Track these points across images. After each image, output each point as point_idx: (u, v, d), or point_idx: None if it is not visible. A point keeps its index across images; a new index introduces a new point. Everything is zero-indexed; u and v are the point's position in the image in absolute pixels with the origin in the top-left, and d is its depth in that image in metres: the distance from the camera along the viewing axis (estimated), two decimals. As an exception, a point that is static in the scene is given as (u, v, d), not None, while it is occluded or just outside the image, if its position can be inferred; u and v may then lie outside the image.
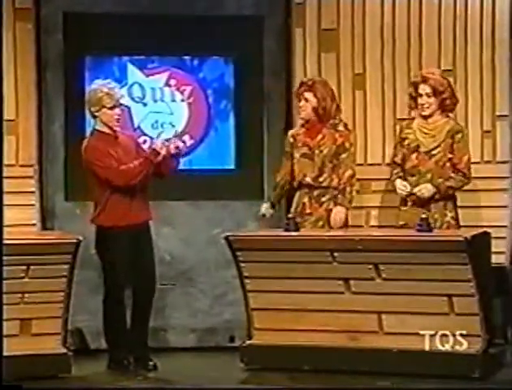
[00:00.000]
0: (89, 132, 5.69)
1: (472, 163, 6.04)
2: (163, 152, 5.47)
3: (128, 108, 6.41)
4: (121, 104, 5.59)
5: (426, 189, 5.68)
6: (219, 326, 6.30)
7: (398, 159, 5.84)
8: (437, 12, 6.17)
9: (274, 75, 6.42)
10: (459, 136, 5.74)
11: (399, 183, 5.75)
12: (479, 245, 5.32)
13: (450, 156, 5.72)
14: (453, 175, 5.71)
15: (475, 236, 5.30)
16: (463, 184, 5.74)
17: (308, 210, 5.82)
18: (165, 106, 6.44)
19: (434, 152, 5.73)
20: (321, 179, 5.81)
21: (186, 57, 6.43)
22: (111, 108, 5.51)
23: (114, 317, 5.57)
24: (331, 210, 5.80)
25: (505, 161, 6.05)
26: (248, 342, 5.62)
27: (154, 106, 6.42)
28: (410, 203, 5.77)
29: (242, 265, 5.56)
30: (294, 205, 5.88)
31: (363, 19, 6.24)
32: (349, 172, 5.79)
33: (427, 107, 5.74)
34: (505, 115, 6.05)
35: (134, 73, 6.41)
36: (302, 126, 5.93)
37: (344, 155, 5.81)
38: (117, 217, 5.48)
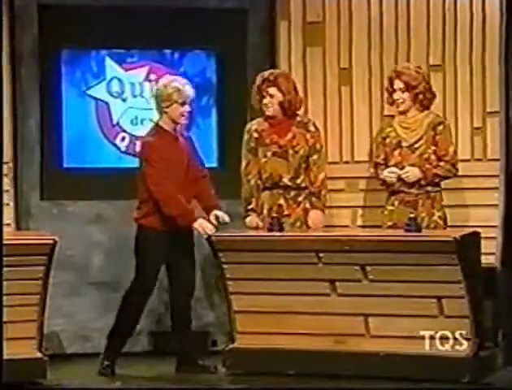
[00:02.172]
0: (150, 128, 5.66)
1: (462, 161, 6.05)
2: (209, 231, 5.47)
3: (107, 104, 6.40)
4: (191, 101, 5.60)
5: (412, 173, 5.71)
6: (201, 329, 6.28)
7: (381, 159, 5.88)
8: (426, 5, 6.17)
9: (257, 70, 6.39)
10: (441, 127, 5.77)
11: (387, 171, 5.77)
12: (468, 246, 5.31)
13: (434, 148, 5.76)
14: (441, 163, 5.74)
15: (464, 236, 5.29)
16: (450, 175, 5.77)
17: (286, 212, 5.79)
18: (145, 101, 6.43)
19: (416, 145, 5.76)
20: (298, 181, 5.80)
21: (167, 51, 6.43)
22: (182, 104, 5.52)
23: (125, 317, 5.56)
24: (307, 209, 5.81)
25: (495, 158, 6.04)
26: (230, 346, 5.61)
27: (134, 102, 6.42)
28: (396, 202, 5.79)
29: (224, 266, 5.54)
30: (266, 206, 5.83)
31: (350, 11, 6.24)
32: (322, 175, 5.81)
33: (402, 102, 5.79)
34: (496, 112, 6.03)
35: (113, 68, 6.40)
36: (265, 121, 5.87)
37: (315, 156, 5.81)
38: (163, 220, 5.49)
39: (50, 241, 5.34)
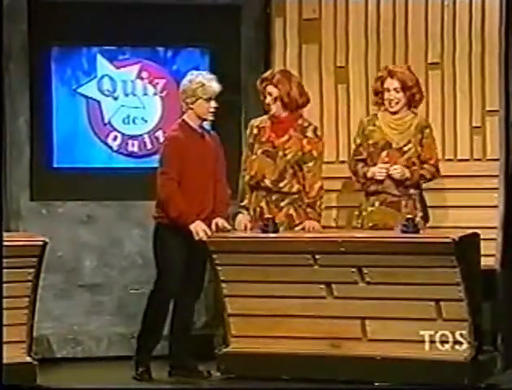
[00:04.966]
0: (176, 123, 5.65)
1: (461, 161, 6.09)
2: (201, 235, 5.48)
3: (98, 102, 6.42)
4: (217, 97, 5.60)
5: (401, 170, 5.70)
6: (195, 332, 6.30)
7: (364, 157, 5.83)
8: (424, 2, 6.18)
9: (252, 68, 6.44)
10: (427, 131, 5.80)
11: (378, 167, 5.73)
12: (467, 247, 5.33)
13: (419, 152, 5.78)
14: (426, 166, 5.77)
15: (463, 237, 5.31)
16: (433, 178, 5.79)
17: (267, 215, 5.71)
18: (137, 99, 6.45)
19: (405, 148, 5.78)
20: (281, 185, 5.78)
21: (159, 48, 6.45)
22: (207, 100, 5.54)
23: (150, 319, 5.59)
24: (291, 215, 5.78)
25: (495, 158, 6.05)
26: (224, 350, 5.62)
27: (126, 100, 6.43)
28: (377, 203, 5.78)
29: (218, 268, 5.55)
30: (252, 206, 5.83)
31: (346, 8, 6.26)
32: (318, 184, 5.78)
33: (396, 103, 5.78)
34: (496, 110, 6.04)
35: (104, 65, 6.41)
36: (269, 119, 5.87)
37: (310, 164, 5.77)
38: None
39: (40, 243, 5.35)
